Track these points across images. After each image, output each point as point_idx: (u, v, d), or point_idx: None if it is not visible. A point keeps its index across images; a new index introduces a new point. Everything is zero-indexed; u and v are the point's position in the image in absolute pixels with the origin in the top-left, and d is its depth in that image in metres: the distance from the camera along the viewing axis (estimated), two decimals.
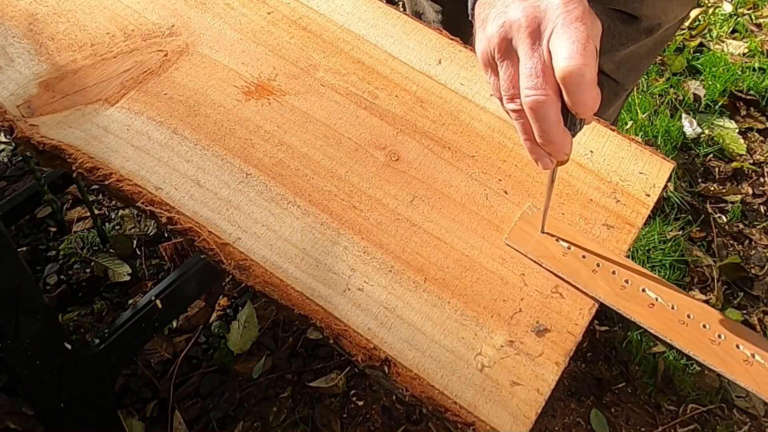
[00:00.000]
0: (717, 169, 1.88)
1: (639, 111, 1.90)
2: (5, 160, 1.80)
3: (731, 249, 1.71)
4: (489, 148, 0.69)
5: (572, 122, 0.51)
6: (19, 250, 1.54)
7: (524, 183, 0.67)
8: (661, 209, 1.76)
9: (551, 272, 0.61)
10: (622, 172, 0.69)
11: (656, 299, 0.59)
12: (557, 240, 0.63)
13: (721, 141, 1.91)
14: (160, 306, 1.23)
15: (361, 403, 1.44)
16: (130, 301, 1.54)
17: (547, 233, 0.63)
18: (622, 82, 1.01)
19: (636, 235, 0.66)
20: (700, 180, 1.85)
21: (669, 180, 0.71)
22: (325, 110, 0.70)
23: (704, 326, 0.58)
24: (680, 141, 1.91)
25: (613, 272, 0.61)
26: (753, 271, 1.66)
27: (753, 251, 1.70)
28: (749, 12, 2.29)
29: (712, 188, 1.82)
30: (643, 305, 0.59)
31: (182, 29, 0.75)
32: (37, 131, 0.65)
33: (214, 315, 1.55)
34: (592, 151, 0.70)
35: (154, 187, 0.63)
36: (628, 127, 1.86)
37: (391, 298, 0.59)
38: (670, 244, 1.69)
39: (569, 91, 0.47)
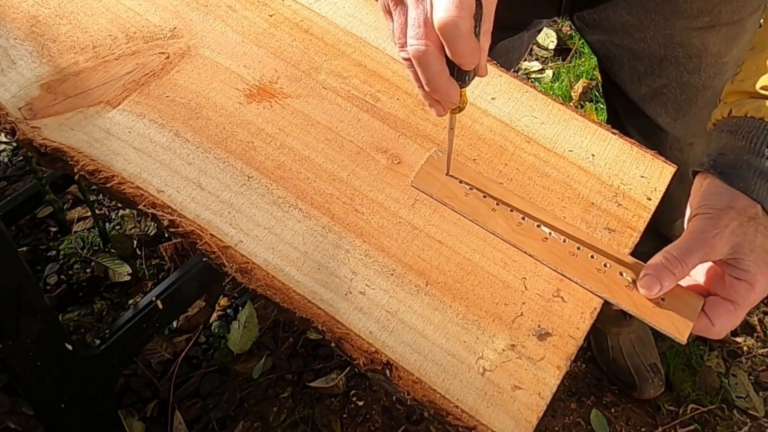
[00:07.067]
0: None
1: None
2: (6, 160, 1.80)
3: None
4: (490, 151, 0.69)
5: (460, 73, 0.53)
6: (19, 250, 1.54)
7: (526, 186, 0.67)
8: None
9: (455, 210, 0.65)
10: (623, 175, 0.69)
11: (549, 234, 0.64)
12: (461, 182, 0.66)
13: None
14: (160, 306, 1.23)
15: (361, 403, 1.44)
16: (131, 302, 1.54)
17: (452, 176, 0.67)
18: (681, 136, 1.00)
19: (637, 238, 0.66)
20: None
21: (671, 183, 0.71)
22: (327, 113, 0.70)
23: (592, 257, 0.63)
24: None
25: (511, 210, 0.65)
26: None
27: None
28: None
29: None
30: (537, 240, 0.63)
31: (184, 31, 0.75)
32: (39, 133, 0.65)
33: (215, 315, 1.55)
34: (593, 155, 0.70)
35: (156, 190, 0.63)
36: None
37: (392, 302, 0.59)
38: None
39: (446, 42, 0.49)
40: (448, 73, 0.52)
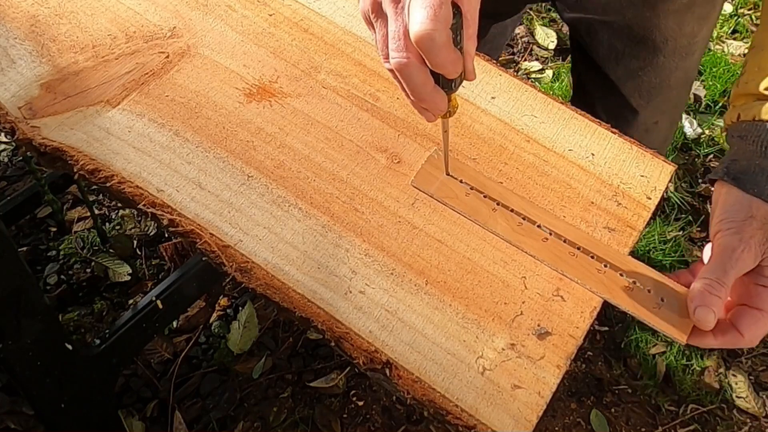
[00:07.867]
0: None
1: None
2: (6, 160, 1.80)
3: None
4: (490, 151, 0.69)
5: (445, 81, 0.53)
6: (19, 250, 1.54)
7: (526, 185, 0.67)
8: (662, 210, 1.76)
9: (455, 210, 0.65)
10: (623, 175, 0.69)
11: (549, 234, 0.64)
12: (461, 182, 0.66)
13: (721, 141, 1.91)
14: (160, 306, 1.23)
15: (361, 403, 1.44)
16: (131, 301, 1.54)
17: (451, 175, 0.67)
18: (648, 116, 1.00)
19: (637, 238, 0.66)
20: (700, 180, 1.85)
21: (670, 182, 0.71)
22: (327, 112, 0.70)
23: (592, 257, 0.63)
24: (681, 141, 1.91)
25: (511, 210, 0.65)
26: None
27: None
28: (749, 12, 2.29)
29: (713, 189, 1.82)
30: (537, 240, 0.63)
31: (184, 31, 0.75)
32: (39, 133, 0.65)
33: (215, 315, 1.55)
34: (593, 154, 0.70)
35: (155, 189, 0.63)
36: None
37: (392, 301, 0.59)
38: (670, 244, 1.69)
39: (425, 54, 0.49)
40: (432, 82, 0.52)
